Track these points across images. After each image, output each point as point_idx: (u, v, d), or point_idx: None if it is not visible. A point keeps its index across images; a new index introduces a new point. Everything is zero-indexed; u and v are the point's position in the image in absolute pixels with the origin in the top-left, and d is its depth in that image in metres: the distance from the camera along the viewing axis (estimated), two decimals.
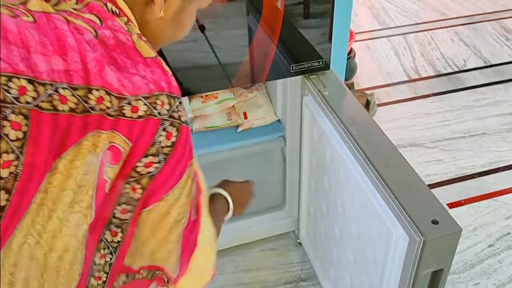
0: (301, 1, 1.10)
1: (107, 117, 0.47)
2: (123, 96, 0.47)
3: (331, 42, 1.17)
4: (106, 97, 0.46)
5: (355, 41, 2.44)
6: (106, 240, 0.54)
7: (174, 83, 0.53)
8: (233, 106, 1.58)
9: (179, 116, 0.52)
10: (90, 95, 0.46)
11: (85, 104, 0.45)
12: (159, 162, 0.51)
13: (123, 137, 0.48)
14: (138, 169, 0.51)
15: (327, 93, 1.15)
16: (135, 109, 0.48)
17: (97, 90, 0.46)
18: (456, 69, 2.63)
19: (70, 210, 0.48)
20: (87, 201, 0.48)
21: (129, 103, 0.48)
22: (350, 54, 2.35)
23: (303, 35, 1.14)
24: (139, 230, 0.55)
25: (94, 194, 0.49)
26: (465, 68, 2.64)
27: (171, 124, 0.51)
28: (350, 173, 1.04)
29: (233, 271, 1.63)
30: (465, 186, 1.91)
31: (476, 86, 2.50)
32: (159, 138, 0.50)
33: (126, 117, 0.48)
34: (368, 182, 0.96)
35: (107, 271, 0.56)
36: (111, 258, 0.56)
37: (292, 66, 1.17)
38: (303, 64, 1.17)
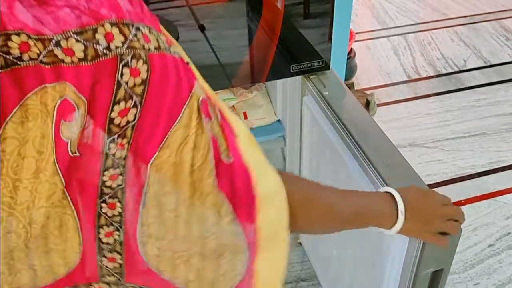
0: (301, 1, 1.10)
1: (44, 66, 0.38)
2: (45, 37, 0.37)
3: (331, 42, 1.17)
4: (30, 42, 0.37)
5: (355, 41, 2.43)
6: (106, 214, 0.46)
7: (127, 7, 0.41)
8: (233, 106, 1.58)
9: (144, 45, 0.41)
10: (10, 43, 0.37)
11: (6, 56, 0.37)
12: (135, 107, 0.41)
13: (73, 88, 0.39)
14: (116, 122, 0.41)
15: (327, 93, 1.15)
16: (69, 52, 0.38)
17: (17, 34, 0.37)
18: (456, 69, 2.63)
19: (37, 181, 0.41)
20: (51, 168, 0.41)
21: (58, 44, 0.38)
22: (350, 54, 2.35)
23: (303, 35, 1.14)
24: (151, 197, 0.45)
25: (55, 160, 0.41)
26: (465, 68, 2.64)
27: (133, 57, 0.40)
28: (350, 173, 1.04)
29: None
30: (465, 186, 1.91)
31: (476, 86, 2.50)
32: (122, 78, 0.40)
33: (66, 63, 0.38)
34: (368, 182, 0.96)
35: (119, 251, 0.48)
36: (119, 236, 0.47)
37: (292, 66, 1.17)
38: (303, 64, 1.17)
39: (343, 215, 0.64)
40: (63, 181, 0.42)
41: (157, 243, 0.48)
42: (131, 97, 0.41)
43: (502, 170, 2.00)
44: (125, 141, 0.42)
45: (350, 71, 2.39)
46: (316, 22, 1.14)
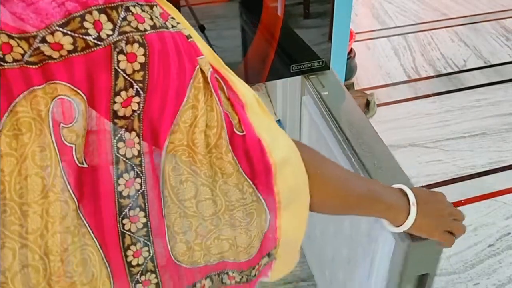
0: (301, 1, 1.10)
1: (31, 66, 0.35)
2: (28, 34, 0.34)
3: (331, 42, 1.17)
4: (12, 42, 0.34)
5: (355, 41, 2.43)
6: (130, 231, 0.42)
7: None
8: None
9: (137, 27, 0.38)
10: None
11: None
12: (138, 95, 0.38)
13: (66, 84, 0.36)
14: (120, 113, 0.38)
15: (326, 93, 1.15)
16: (57, 46, 0.35)
17: None
18: (456, 69, 2.63)
19: (46, 201, 0.38)
20: (60, 183, 0.38)
21: (43, 41, 0.34)
22: (350, 54, 2.35)
23: (303, 35, 1.14)
24: (169, 191, 0.43)
25: (62, 172, 0.38)
26: (465, 68, 2.64)
27: (127, 43, 0.37)
28: None
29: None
30: (465, 186, 1.91)
31: (476, 86, 2.50)
32: (120, 66, 0.37)
33: (55, 59, 0.35)
34: None
35: (152, 269, 0.45)
36: (149, 252, 0.44)
37: (292, 66, 1.17)
38: (303, 64, 1.17)
39: (356, 193, 0.62)
40: (75, 198, 0.39)
41: (184, 238, 0.46)
42: (131, 85, 0.38)
43: (502, 170, 2.00)
44: (133, 135, 0.40)
45: (350, 71, 2.39)
46: (316, 22, 1.14)
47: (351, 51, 2.36)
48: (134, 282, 0.45)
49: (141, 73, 0.38)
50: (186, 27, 0.44)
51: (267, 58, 1.15)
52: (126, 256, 0.43)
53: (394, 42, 2.89)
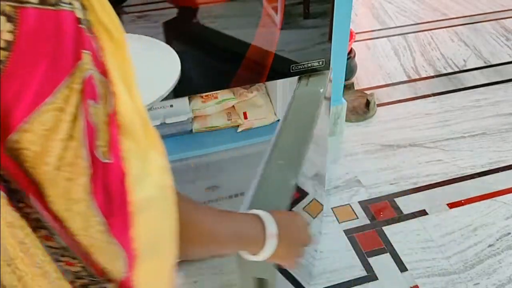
0: (301, 1, 1.10)
1: None
2: None
3: (331, 42, 1.17)
4: None
5: (355, 41, 2.43)
6: (30, 216, 0.39)
7: None
8: (233, 106, 1.58)
9: None
10: None
11: None
12: None
13: None
14: None
15: (301, 94, 1.14)
16: None
17: None
18: (456, 69, 2.63)
19: None
20: None
21: None
22: (350, 54, 2.35)
23: (303, 35, 1.14)
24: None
25: None
26: (465, 68, 2.64)
27: None
28: None
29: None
30: (465, 186, 1.91)
31: (476, 86, 2.50)
32: None
33: None
34: None
35: (72, 255, 0.41)
36: (56, 241, 0.40)
37: (292, 66, 1.17)
38: (303, 64, 1.17)
39: (221, 241, 0.60)
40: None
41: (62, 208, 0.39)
42: None
43: (502, 170, 2.00)
44: None
45: (350, 71, 2.39)
46: (316, 22, 1.14)
47: (351, 51, 2.36)
48: (56, 260, 0.41)
49: (5, 53, 0.31)
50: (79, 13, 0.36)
51: (267, 58, 1.16)
52: (39, 237, 0.39)
53: (394, 42, 2.89)
